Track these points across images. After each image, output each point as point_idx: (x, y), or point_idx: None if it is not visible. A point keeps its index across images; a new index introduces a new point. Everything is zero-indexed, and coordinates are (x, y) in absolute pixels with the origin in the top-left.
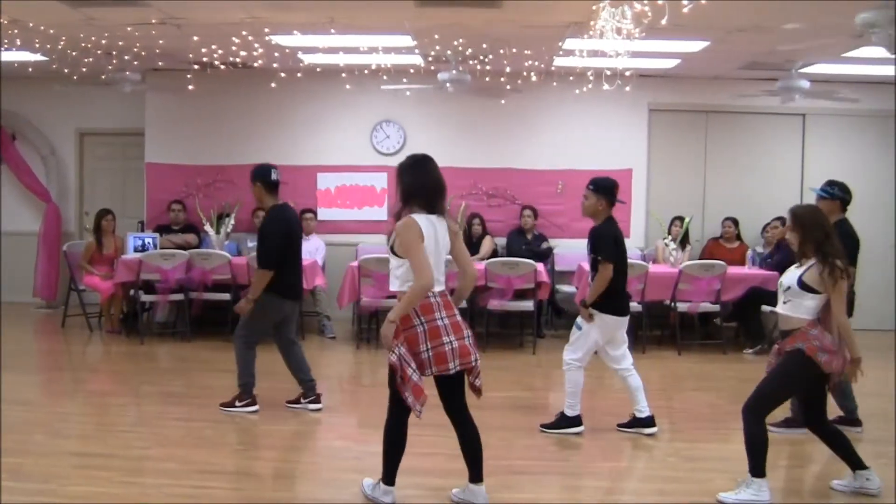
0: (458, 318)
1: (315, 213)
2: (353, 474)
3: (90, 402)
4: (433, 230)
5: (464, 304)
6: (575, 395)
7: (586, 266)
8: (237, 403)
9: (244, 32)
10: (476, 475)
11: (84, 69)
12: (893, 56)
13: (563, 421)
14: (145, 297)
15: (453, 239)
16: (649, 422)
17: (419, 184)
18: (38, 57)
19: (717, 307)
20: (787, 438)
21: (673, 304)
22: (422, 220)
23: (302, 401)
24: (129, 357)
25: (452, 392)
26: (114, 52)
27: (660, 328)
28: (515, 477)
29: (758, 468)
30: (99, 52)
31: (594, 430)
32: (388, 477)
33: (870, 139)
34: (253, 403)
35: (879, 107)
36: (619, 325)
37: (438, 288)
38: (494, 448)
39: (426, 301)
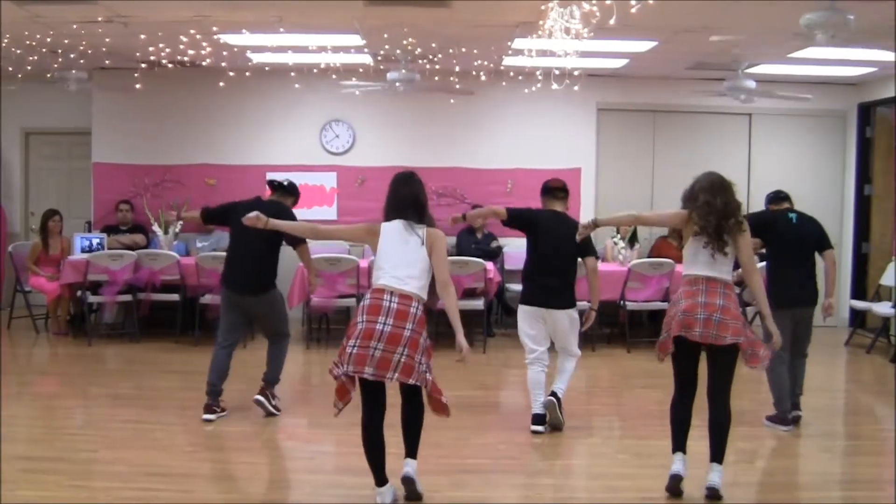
0: (408, 332)
1: None
2: (303, 474)
3: (37, 404)
4: (397, 232)
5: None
6: (531, 393)
7: None
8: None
9: (192, 31)
10: (408, 451)
11: (29, 67)
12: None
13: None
14: (93, 299)
15: (431, 249)
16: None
17: (389, 198)
18: None
19: (666, 305)
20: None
21: (622, 302)
22: (389, 224)
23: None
24: (76, 359)
25: None
26: (60, 51)
27: (609, 326)
28: (466, 476)
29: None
30: (44, 50)
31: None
32: (376, 479)
33: (815, 139)
34: (210, 410)
35: (825, 106)
36: (529, 315)
37: (400, 286)
38: (445, 447)
39: (377, 302)
